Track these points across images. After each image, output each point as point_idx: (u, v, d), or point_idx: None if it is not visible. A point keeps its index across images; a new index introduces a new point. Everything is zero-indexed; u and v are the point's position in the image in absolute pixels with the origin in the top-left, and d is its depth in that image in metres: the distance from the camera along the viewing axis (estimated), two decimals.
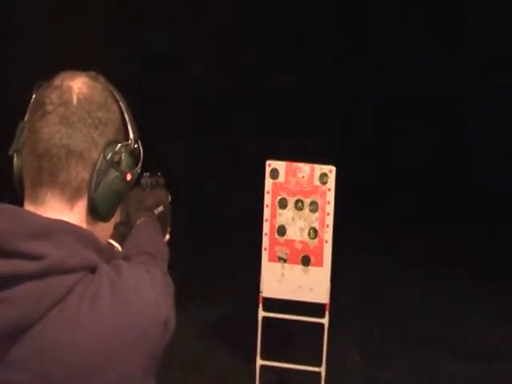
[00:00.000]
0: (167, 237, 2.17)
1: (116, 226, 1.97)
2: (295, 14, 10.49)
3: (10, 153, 1.41)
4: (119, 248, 2.00)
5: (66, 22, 9.29)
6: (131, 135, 1.43)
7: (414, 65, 10.44)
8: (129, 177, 1.42)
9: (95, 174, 1.35)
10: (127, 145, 1.41)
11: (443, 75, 10.21)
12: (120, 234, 2.02)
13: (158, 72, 10.19)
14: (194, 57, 9.94)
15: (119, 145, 1.39)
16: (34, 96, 1.38)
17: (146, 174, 2.18)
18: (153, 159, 1.88)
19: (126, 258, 1.69)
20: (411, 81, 10.36)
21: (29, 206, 1.36)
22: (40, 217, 1.30)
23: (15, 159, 1.40)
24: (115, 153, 1.38)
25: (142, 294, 1.36)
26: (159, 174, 2.24)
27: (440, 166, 9.70)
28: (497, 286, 6.83)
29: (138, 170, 1.46)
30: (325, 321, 4.47)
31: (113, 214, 1.44)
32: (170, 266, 1.88)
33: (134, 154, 1.43)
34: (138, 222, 2.06)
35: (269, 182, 4.49)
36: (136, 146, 1.43)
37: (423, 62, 10.41)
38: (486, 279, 7.00)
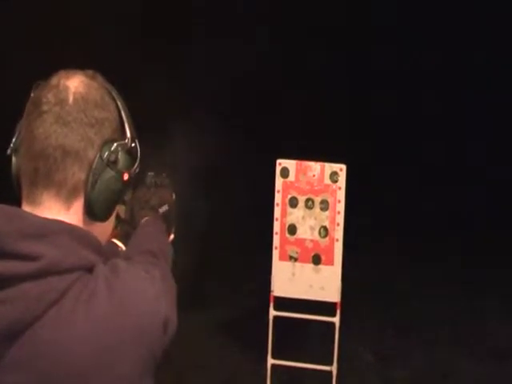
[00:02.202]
0: (171, 236, 2.17)
1: (120, 225, 1.98)
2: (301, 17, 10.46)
3: (8, 153, 1.40)
4: (123, 247, 2.00)
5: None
6: (128, 134, 1.42)
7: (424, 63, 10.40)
8: (126, 176, 1.41)
9: (91, 174, 1.34)
10: (124, 144, 1.40)
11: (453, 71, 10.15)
12: (124, 233, 2.02)
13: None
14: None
15: (115, 144, 1.38)
16: (31, 95, 1.38)
17: (151, 174, 2.18)
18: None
19: (127, 257, 1.68)
20: (424, 78, 10.31)
21: (26, 207, 1.35)
22: (36, 217, 1.30)
23: (13, 159, 1.40)
24: (111, 152, 1.37)
25: (139, 293, 1.35)
26: (164, 173, 2.24)
27: (452, 163, 9.65)
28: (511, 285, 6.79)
29: (136, 169, 1.45)
30: (336, 320, 4.45)
31: (110, 214, 1.43)
32: (179, 266, 1.87)
33: (130, 153, 1.42)
34: (143, 221, 2.06)
35: (279, 181, 4.47)
36: (133, 144, 1.43)
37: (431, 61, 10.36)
38: (500, 278, 6.96)
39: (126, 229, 2.05)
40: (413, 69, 10.23)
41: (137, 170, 1.45)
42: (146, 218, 2.08)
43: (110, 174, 1.37)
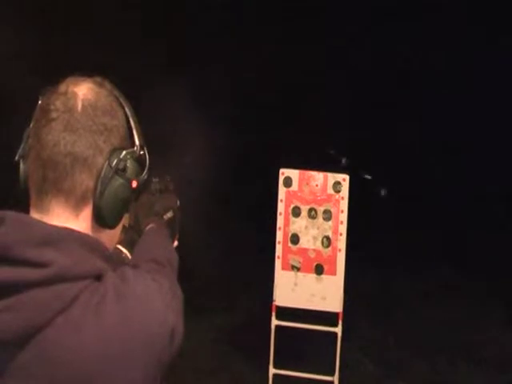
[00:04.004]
0: (175, 243, 2.17)
1: (125, 232, 1.97)
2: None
3: (16, 159, 1.40)
4: (128, 254, 1.99)
5: None
6: (137, 142, 1.42)
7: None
8: (134, 184, 1.41)
9: (100, 182, 1.35)
10: (133, 151, 1.40)
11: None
12: (129, 240, 2.01)
13: None
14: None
15: (124, 152, 1.38)
16: (39, 102, 1.38)
17: (155, 180, 2.18)
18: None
19: (135, 265, 1.68)
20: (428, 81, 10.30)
21: (34, 214, 1.35)
22: (46, 224, 1.30)
23: (21, 166, 1.40)
24: (120, 160, 1.37)
25: (147, 301, 1.35)
26: (168, 179, 2.24)
27: (453, 169, 9.64)
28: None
29: (145, 176, 1.45)
30: (338, 330, 4.44)
31: (119, 222, 1.43)
32: (182, 274, 1.87)
33: (139, 160, 1.42)
34: (148, 228, 2.05)
35: (282, 190, 4.48)
36: (142, 152, 1.43)
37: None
38: (500, 285, 6.95)
39: (130, 235, 2.05)
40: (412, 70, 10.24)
41: (145, 177, 1.45)
42: (151, 225, 2.07)
43: (118, 181, 1.37)
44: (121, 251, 2.00)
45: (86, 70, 1.43)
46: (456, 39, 9.98)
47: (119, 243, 1.99)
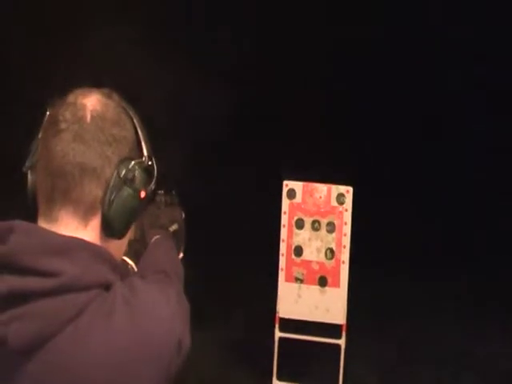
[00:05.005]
0: (181, 255, 2.18)
1: (130, 244, 1.98)
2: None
3: (24, 170, 1.41)
4: (133, 265, 2.00)
5: None
6: (145, 152, 1.43)
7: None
8: (143, 194, 1.42)
9: (109, 192, 1.35)
10: (141, 162, 1.41)
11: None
12: (134, 252, 2.02)
13: None
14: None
15: (133, 162, 1.39)
16: (47, 113, 1.39)
17: (161, 192, 2.19)
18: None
19: (142, 276, 1.69)
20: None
21: (43, 224, 1.36)
22: (55, 234, 1.31)
23: (29, 176, 1.41)
24: (129, 170, 1.38)
25: (155, 312, 1.36)
26: (173, 191, 2.25)
27: (453, 170, 9.61)
28: None
29: (153, 187, 1.46)
30: (341, 342, 4.44)
31: (127, 232, 1.44)
32: (185, 284, 1.87)
33: (147, 171, 1.43)
34: (154, 240, 2.06)
35: (286, 202, 4.49)
36: (150, 163, 1.44)
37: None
38: (504, 298, 6.94)
39: (135, 247, 2.06)
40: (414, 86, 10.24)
41: (153, 188, 1.46)
42: (157, 236, 2.09)
43: (127, 191, 1.38)
44: (127, 263, 2.01)
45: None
46: None
47: (125, 255, 2.00)
